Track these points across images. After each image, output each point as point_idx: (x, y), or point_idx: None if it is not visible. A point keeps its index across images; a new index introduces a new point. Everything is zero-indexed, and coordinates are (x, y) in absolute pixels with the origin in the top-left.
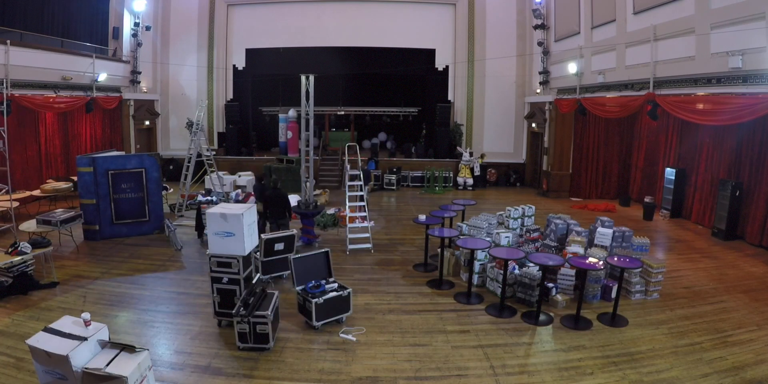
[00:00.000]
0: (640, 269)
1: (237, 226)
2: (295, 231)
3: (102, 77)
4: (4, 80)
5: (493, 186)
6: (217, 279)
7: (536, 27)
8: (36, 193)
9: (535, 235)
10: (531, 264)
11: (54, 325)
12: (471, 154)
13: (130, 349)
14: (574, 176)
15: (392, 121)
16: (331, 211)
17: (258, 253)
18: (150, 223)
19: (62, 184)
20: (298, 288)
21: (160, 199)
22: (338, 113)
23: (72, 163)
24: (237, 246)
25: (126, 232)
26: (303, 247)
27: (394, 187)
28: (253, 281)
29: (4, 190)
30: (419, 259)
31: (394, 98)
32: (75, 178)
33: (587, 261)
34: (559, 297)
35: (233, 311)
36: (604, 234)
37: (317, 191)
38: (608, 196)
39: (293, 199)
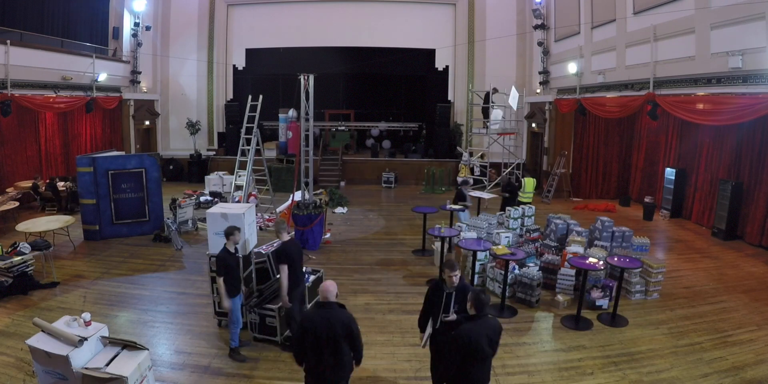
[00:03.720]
0: (640, 269)
1: (237, 225)
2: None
3: (102, 77)
4: (5, 80)
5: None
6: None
7: (536, 27)
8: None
9: (535, 235)
10: (531, 264)
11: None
12: (471, 154)
13: (131, 346)
14: (574, 176)
15: (392, 135)
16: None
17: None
18: (150, 223)
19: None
20: None
21: (160, 199)
22: (339, 128)
23: (72, 163)
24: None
25: (126, 232)
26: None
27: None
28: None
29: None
30: (419, 259)
31: (394, 99)
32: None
33: (587, 261)
34: (559, 297)
35: (244, 298)
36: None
37: (317, 191)
38: (608, 196)
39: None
